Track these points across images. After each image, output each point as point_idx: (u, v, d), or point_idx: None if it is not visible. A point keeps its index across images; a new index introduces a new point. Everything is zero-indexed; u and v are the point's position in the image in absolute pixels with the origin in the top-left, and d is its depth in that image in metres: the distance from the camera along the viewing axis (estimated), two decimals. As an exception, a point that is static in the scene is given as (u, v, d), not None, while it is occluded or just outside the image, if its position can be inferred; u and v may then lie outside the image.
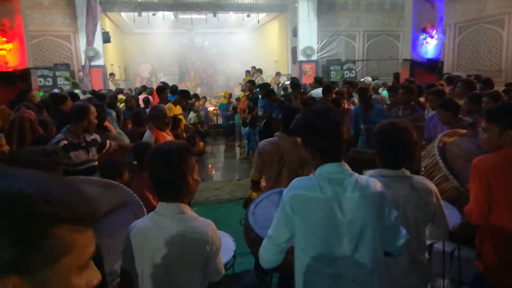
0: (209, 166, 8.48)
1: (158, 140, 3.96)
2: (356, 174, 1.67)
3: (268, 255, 1.72)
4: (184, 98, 5.85)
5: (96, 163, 3.34)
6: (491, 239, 2.17)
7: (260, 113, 7.32)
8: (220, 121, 12.09)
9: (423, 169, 3.11)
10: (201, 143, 6.81)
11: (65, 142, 3.12)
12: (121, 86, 13.30)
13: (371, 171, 2.05)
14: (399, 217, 1.91)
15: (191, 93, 11.87)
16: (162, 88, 6.39)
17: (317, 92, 7.63)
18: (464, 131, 3.47)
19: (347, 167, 1.67)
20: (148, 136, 4.04)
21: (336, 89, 6.82)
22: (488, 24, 11.60)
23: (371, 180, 1.68)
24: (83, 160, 3.22)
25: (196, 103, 10.74)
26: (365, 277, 1.62)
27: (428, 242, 2.36)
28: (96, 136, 3.45)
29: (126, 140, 5.39)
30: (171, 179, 1.64)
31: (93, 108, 3.34)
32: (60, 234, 0.58)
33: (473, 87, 5.03)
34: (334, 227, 1.59)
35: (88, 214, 0.62)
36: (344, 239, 1.59)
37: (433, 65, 8.24)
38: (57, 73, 12.18)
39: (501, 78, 10.75)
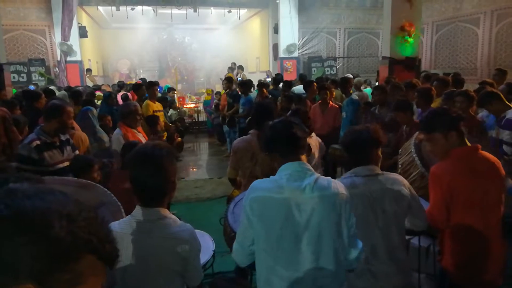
0: (190, 164, 8.41)
1: (126, 137, 3.90)
2: (317, 174, 1.68)
3: (239, 256, 1.77)
4: (150, 87, 5.78)
5: None
6: (450, 238, 2.25)
7: (240, 111, 7.25)
8: (201, 118, 11.98)
9: (400, 166, 3.16)
10: (179, 138, 6.74)
11: (38, 142, 3.02)
12: (99, 83, 13.03)
13: (348, 172, 2.10)
14: (377, 212, 1.95)
15: (174, 89, 11.72)
16: (139, 85, 6.32)
17: (299, 88, 7.66)
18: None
19: (308, 166, 1.70)
20: (117, 133, 3.97)
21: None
22: (464, 22, 11.89)
23: (334, 181, 1.68)
24: (57, 161, 3.13)
25: (176, 99, 10.59)
26: (325, 280, 1.62)
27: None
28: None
29: (105, 137, 5.31)
30: (158, 185, 1.59)
31: (69, 108, 3.22)
32: (85, 263, 0.60)
33: (448, 85, 5.15)
34: (292, 228, 1.59)
35: (112, 254, 0.66)
36: (303, 240, 1.59)
37: (411, 63, 8.37)
38: (32, 69, 11.85)
39: (476, 76, 11.04)
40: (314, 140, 3.56)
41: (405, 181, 2.09)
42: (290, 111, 3.93)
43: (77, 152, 3.42)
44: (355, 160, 2.08)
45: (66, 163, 3.20)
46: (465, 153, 2.21)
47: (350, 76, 9.25)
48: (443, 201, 2.16)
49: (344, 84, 5.75)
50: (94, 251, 0.61)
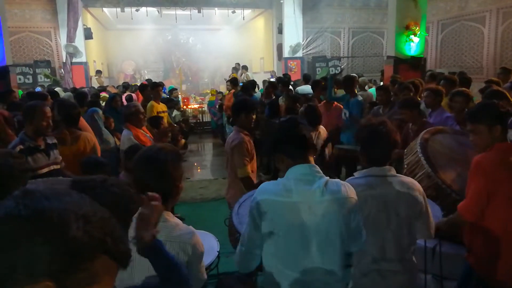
0: (195, 164, 8.42)
1: (137, 137, 3.89)
2: (327, 178, 1.65)
3: (242, 261, 1.72)
4: (155, 88, 5.81)
5: (59, 166, 3.16)
6: (484, 233, 2.22)
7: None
8: (206, 118, 11.98)
9: (405, 166, 3.14)
10: (183, 140, 6.76)
11: (21, 146, 2.94)
12: (104, 84, 13.09)
13: (357, 173, 2.04)
14: (391, 214, 1.92)
15: (177, 89, 11.75)
16: (145, 86, 6.35)
17: (303, 88, 7.65)
18: (445, 128, 3.52)
19: (318, 169, 1.66)
20: (126, 134, 3.94)
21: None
22: (470, 21, 11.80)
23: (343, 184, 1.66)
24: (43, 164, 3.03)
25: (181, 100, 10.60)
26: (335, 283, 1.61)
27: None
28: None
29: (111, 138, 5.32)
30: (161, 188, 1.58)
31: (43, 109, 3.04)
32: (100, 263, 0.62)
33: (455, 84, 5.12)
34: (301, 232, 1.57)
35: (126, 254, 0.68)
36: (312, 244, 1.57)
37: (416, 62, 8.33)
38: (37, 71, 11.91)
39: (482, 75, 10.95)
40: (322, 130, 3.72)
41: (420, 187, 2.03)
42: (303, 107, 4.00)
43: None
44: (371, 157, 1.99)
45: (54, 167, 3.12)
46: (508, 148, 2.21)
47: (354, 75, 9.23)
48: (485, 190, 2.14)
49: (349, 83, 5.67)
50: (108, 251, 0.63)
